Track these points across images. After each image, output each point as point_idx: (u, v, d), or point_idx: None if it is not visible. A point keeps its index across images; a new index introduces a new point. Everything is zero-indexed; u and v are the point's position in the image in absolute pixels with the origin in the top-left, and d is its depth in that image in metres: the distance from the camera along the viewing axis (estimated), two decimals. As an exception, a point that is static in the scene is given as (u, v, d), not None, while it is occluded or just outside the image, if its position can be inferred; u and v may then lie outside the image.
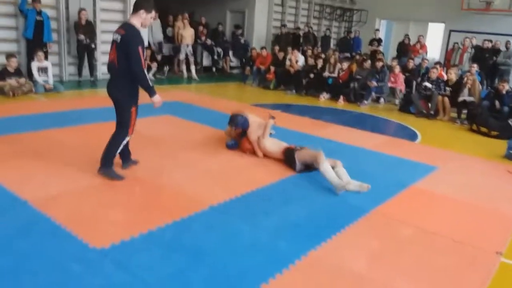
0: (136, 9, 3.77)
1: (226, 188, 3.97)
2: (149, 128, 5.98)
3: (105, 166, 3.95)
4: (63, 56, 9.27)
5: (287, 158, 4.68)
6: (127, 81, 3.80)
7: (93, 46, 9.10)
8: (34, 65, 7.94)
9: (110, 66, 3.86)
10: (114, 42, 3.75)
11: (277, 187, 4.19)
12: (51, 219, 3.10)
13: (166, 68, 11.69)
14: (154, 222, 3.19)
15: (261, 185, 4.15)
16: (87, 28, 8.88)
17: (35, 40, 8.31)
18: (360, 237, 3.30)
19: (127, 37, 3.65)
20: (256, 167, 4.72)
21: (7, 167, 4.08)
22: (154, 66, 10.77)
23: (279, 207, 3.73)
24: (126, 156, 4.25)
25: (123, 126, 3.95)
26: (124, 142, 4.02)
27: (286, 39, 13.18)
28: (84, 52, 9.01)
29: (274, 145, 4.90)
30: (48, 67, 8.09)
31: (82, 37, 8.74)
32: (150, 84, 3.80)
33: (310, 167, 4.52)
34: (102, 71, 9.99)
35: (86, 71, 9.29)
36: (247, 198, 3.85)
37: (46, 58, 8.22)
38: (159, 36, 11.60)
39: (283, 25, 13.76)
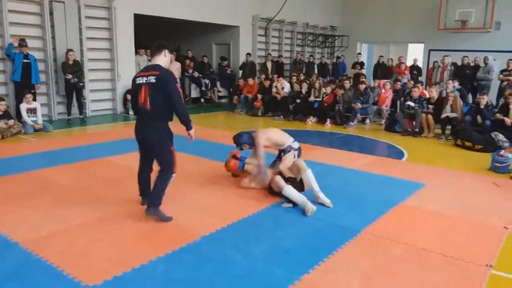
0: (159, 50, 3.85)
1: (217, 217, 4.00)
2: (137, 163, 6.02)
3: (156, 206, 3.91)
4: (52, 96, 9.38)
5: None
6: (162, 122, 3.82)
7: (81, 84, 9.22)
8: (23, 107, 8.02)
9: (142, 110, 3.78)
10: (144, 84, 3.72)
11: (267, 213, 4.23)
12: (42, 259, 3.10)
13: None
14: (146, 256, 3.20)
15: (251, 212, 4.19)
16: (75, 68, 9.03)
17: (23, 83, 8.42)
18: (352, 259, 3.34)
19: (164, 77, 3.71)
20: (247, 193, 4.76)
21: (-3, 210, 4.08)
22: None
23: (270, 233, 3.76)
24: (146, 193, 4.19)
25: (168, 167, 3.91)
26: (171, 180, 3.97)
27: (272, 67, 13.53)
28: (72, 91, 9.13)
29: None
30: (37, 108, 8.17)
31: (69, 76, 8.87)
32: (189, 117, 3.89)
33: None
34: (91, 108, 10.11)
35: (75, 109, 9.37)
36: (238, 226, 3.89)
37: (34, 99, 8.31)
38: (146, 71, 11.77)
39: (267, 55, 14.09)
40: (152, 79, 3.70)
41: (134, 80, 3.88)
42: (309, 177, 4.48)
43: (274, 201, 4.51)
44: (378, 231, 3.85)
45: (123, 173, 5.49)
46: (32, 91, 8.41)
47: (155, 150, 3.91)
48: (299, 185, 4.57)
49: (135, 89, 3.85)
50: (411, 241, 3.65)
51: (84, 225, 3.80)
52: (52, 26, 9.20)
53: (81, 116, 9.42)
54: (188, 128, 3.91)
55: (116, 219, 3.95)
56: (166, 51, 3.88)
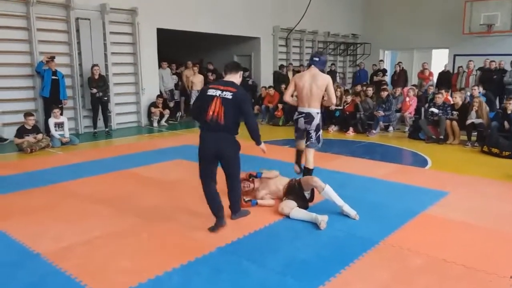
0: (236, 70, 4.06)
1: (233, 228, 4.00)
2: (159, 173, 6.14)
3: (237, 211, 4.26)
4: (78, 110, 9.68)
5: (297, 195, 4.62)
6: (234, 135, 3.97)
7: (105, 98, 9.48)
8: (51, 122, 8.31)
9: (212, 123, 3.83)
10: (217, 97, 3.83)
11: (284, 223, 4.21)
12: (62, 271, 3.19)
13: (178, 114, 12.07)
14: (162, 267, 3.24)
15: (268, 222, 4.18)
16: (100, 82, 9.30)
17: (52, 98, 8.73)
18: (370, 270, 3.27)
19: (241, 96, 3.92)
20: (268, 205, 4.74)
21: (21, 222, 4.23)
22: (167, 113, 11.12)
23: (286, 244, 3.74)
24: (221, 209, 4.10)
25: (238, 175, 4.18)
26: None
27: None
28: (98, 105, 9.39)
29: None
30: (64, 122, 8.45)
31: (95, 90, 9.14)
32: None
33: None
34: (116, 121, 10.37)
35: (100, 123, 9.64)
36: (254, 236, 3.88)
37: (61, 113, 8.60)
38: (171, 84, 12.02)
39: (288, 65, 14.12)
40: (229, 95, 3.84)
41: (204, 91, 3.97)
42: (329, 193, 4.38)
43: (291, 211, 4.48)
44: (398, 242, 3.76)
45: (144, 184, 5.60)
46: (60, 106, 8.71)
47: (229, 161, 4.02)
48: (305, 200, 4.56)
49: (204, 100, 3.91)
50: (432, 252, 3.55)
51: (103, 236, 3.88)
52: (79, 43, 9.53)
53: (107, 129, 9.67)
54: (258, 143, 4.11)
55: (134, 231, 4.01)
56: (241, 72, 4.14)
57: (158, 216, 4.38)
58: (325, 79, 4.98)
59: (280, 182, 4.88)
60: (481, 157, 7.38)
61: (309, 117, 4.99)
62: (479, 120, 8.10)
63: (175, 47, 14.98)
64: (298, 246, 3.70)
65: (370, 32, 17.21)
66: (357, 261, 3.40)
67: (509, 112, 7.79)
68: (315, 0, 14.74)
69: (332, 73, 14.87)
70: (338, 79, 15.03)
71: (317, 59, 5.05)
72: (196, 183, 5.52)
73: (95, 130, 9.50)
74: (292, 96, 5.33)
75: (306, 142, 5.17)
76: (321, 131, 5.13)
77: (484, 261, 3.41)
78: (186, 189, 5.37)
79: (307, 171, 5.11)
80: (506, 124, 7.74)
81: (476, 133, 8.24)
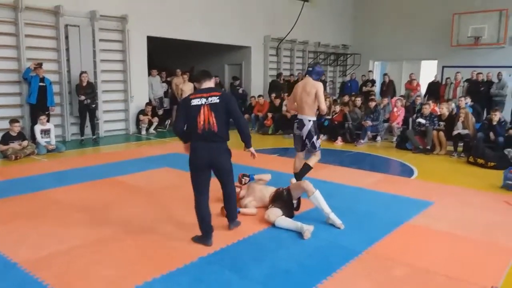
0: (210, 77, 3.97)
1: (216, 237, 3.94)
2: (145, 182, 6.09)
3: (234, 219, 4.22)
4: (66, 117, 9.59)
5: (284, 202, 4.61)
6: (226, 143, 3.90)
7: (93, 106, 9.42)
8: (37, 128, 8.22)
9: (209, 133, 3.73)
10: (205, 105, 3.73)
11: (268, 233, 4.18)
12: (39, 281, 3.12)
13: (167, 122, 12.03)
14: (142, 277, 3.19)
15: (252, 232, 4.15)
16: (88, 89, 9.23)
17: (39, 105, 8.64)
18: (352, 280, 3.25)
19: (228, 96, 3.98)
20: (250, 214, 4.72)
21: (0, 230, 4.14)
22: (155, 121, 11.07)
23: (270, 254, 3.71)
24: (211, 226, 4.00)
25: (232, 182, 4.11)
26: None
27: (284, 86, 13.62)
28: (86, 112, 9.32)
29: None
30: (50, 129, 8.36)
31: (82, 97, 9.07)
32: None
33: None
34: (104, 129, 10.30)
35: (88, 130, 9.56)
36: (238, 246, 3.85)
37: (48, 120, 8.51)
38: (160, 92, 12.00)
39: (279, 74, 14.20)
40: (215, 100, 3.76)
41: (187, 102, 3.79)
42: (318, 198, 4.39)
43: (276, 221, 4.46)
44: (381, 252, 3.76)
45: (129, 192, 5.54)
46: (47, 113, 8.62)
47: (224, 170, 3.94)
48: (292, 208, 4.55)
49: (189, 111, 3.76)
50: (415, 262, 3.55)
51: (84, 245, 3.82)
52: (67, 49, 9.47)
53: (94, 137, 9.59)
54: (249, 145, 4.05)
55: (115, 240, 3.96)
56: (214, 77, 4.13)
57: (141, 225, 4.33)
58: (314, 86, 5.19)
59: (266, 190, 4.89)
60: (466, 167, 7.44)
61: (300, 124, 5.30)
62: (465, 131, 8.19)
63: (166, 55, 14.98)
64: (282, 256, 3.68)
65: (360, 43, 17.40)
66: (340, 271, 3.38)
67: (494, 123, 7.89)
68: (306, 11, 14.91)
69: (322, 83, 14.98)
70: (328, 89, 15.13)
71: (311, 69, 5.38)
72: (182, 191, 5.52)
73: (82, 138, 9.41)
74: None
75: (305, 152, 5.52)
76: (314, 137, 5.30)
77: (466, 271, 3.41)
78: (172, 197, 5.33)
79: (300, 173, 5.42)
80: (491, 135, 7.84)
81: (462, 144, 8.31)
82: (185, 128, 3.87)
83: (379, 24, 16.82)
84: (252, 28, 13.73)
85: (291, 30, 14.40)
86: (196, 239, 3.91)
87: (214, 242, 3.85)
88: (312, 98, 5.17)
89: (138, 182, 6.09)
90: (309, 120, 5.26)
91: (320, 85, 5.21)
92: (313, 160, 5.47)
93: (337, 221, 4.32)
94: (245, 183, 5.00)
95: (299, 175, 5.50)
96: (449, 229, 4.32)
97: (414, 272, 3.40)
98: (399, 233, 4.22)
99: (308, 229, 4.05)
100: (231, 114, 3.84)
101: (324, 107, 5.28)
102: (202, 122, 3.72)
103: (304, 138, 5.34)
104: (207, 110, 3.73)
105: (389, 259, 3.61)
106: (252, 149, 4.09)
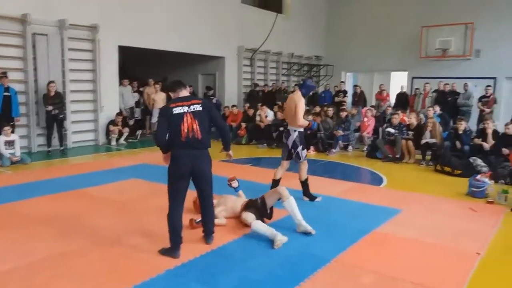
0: (185, 86, 4.00)
1: (185, 249, 3.87)
2: (113, 193, 5.97)
3: (212, 232, 4.13)
4: (32, 127, 9.31)
5: (258, 210, 4.60)
6: (208, 151, 3.91)
7: (61, 116, 9.18)
8: (1, 139, 7.92)
9: (193, 141, 3.72)
10: (188, 113, 3.74)
11: (238, 243, 4.14)
12: (-5, 297, 2.98)
13: (138, 132, 11.87)
14: (106, 291, 3.09)
15: (222, 243, 4.09)
16: (56, 99, 9.01)
17: (3, 115, 8.35)
18: (320, 289, 3.25)
19: (209, 103, 4.07)
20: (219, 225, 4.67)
21: (-42, 246, 3.95)
22: (126, 131, 10.88)
23: (239, 265, 3.66)
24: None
25: (211, 193, 4.07)
26: None
27: (256, 96, 13.70)
28: (53, 122, 9.08)
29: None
30: (15, 140, 8.08)
31: (50, 108, 8.84)
32: None
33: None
34: (72, 140, 10.04)
35: (55, 141, 9.30)
36: (206, 257, 3.79)
37: (13, 131, 8.24)
38: (131, 102, 11.84)
39: (252, 84, 14.28)
40: (198, 107, 3.80)
41: (168, 111, 3.76)
42: (292, 205, 4.43)
43: (247, 231, 4.42)
44: (349, 260, 3.78)
45: (96, 204, 5.40)
46: (11, 123, 8.35)
47: (205, 178, 3.92)
48: (264, 216, 4.55)
49: (171, 119, 3.73)
50: (382, 270, 3.58)
51: (47, 259, 3.69)
52: (34, 58, 9.23)
53: (62, 148, 9.33)
54: (229, 148, 4.21)
55: (80, 253, 3.84)
56: (189, 87, 4.18)
57: (108, 237, 4.22)
58: (294, 99, 5.44)
59: (239, 201, 4.88)
60: (434, 175, 7.61)
61: (287, 134, 5.59)
62: (433, 140, 8.40)
63: (139, 64, 14.84)
64: (251, 266, 3.64)
65: (332, 55, 17.72)
66: (308, 280, 3.37)
67: (460, 132, 8.12)
68: (279, 22, 15.10)
69: (303, 97, 15.13)
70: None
71: (301, 83, 5.76)
72: (151, 203, 5.42)
73: (49, 149, 9.14)
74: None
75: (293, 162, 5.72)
76: (299, 147, 5.48)
77: (432, 278, 3.46)
78: (140, 209, 5.23)
79: (304, 191, 5.68)
80: (458, 143, 8.06)
81: (430, 153, 8.52)
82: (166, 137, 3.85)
83: (351, 37, 17.20)
84: (225, 38, 13.77)
85: (264, 41, 14.54)
86: (163, 252, 3.83)
87: (182, 254, 3.77)
88: (294, 111, 5.36)
89: (106, 193, 5.95)
90: (294, 131, 5.46)
91: (300, 99, 5.36)
92: (303, 173, 5.64)
93: (308, 228, 4.34)
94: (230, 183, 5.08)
95: (305, 193, 5.68)
96: (417, 236, 4.39)
97: (382, 279, 3.43)
98: (367, 241, 4.26)
99: (281, 239, 4.04)
100: (215, 121, 3.97)
101: (298, 121, 5.37)
102: (186, 130, 3.72)
103: (290, 148, 5.54)
104: (190, 118, 3.74)
105: (357, 267, 3.63)
106: (231, 151, 4.26)
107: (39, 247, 3.92)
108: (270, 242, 4.07)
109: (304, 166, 5.64)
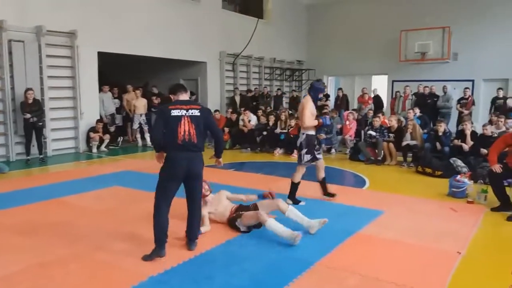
0: (186, 90, 4.08)
1: (168, 255, 3.83)
2: (94, 201, 5.86)
3: (196, 237, 4.12)
4: (10, 136, 9.10)
5: (232, 226, 4.63)
6: (201, 154, 3.99)
7: (40, 124, 9.00)
8: (-23, 148, 7.74)
9: (189, 144, 3.81)
10: (185, 116, 3.81)
11: (222, 249, 4.11)
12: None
13: (120, 139, 11.72)
14: (86, 301, 3.02)
15: (205, 249, 4.05)
16: (34, 107, 8.81)
17: (-21, 123, 8.16)
18: (304, 292, 3.24)
19: (207, 110, 4.10)
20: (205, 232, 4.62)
21: None
22: (107, 138, 10.72)
23: (222, 270, 3.63)
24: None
25: (201, 197, 4.19)
26: None
27: (240, 101, 13.72)
28: (32, 130, 8.87)
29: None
30: (-8, 149, 7.90)
31: (28, 116, 8.65)
32: None
33: (258, 225, 4.52)
34: (52, 147, 9.85)
35: (34, 149, 9.10)
36: (189, 264, 3.74)
37: (-11, 140, 8.04)
38: (112, 109, 11.69)
39: (235, 89, 14.30)
40: (196, 112, 3.86)
41: (166, 112, 3.82)
42: (294, 212, 4.52)
43: (231, 236, 4.40)
44: (332, 262, 3.78)
45: (76, 213, 5.29)
46: (-12, 132, 8.16)
47: (197, 181, 4.00)
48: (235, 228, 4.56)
49: (169, 121, 3.80)
50: (365, 271, 3.59)
51: (24, 270, 3.58)
52: (11, 66, 9.04)
53: (41, 156, 9.13)
54: (219, 156, 4.30)
55: (60, 263, 3.74)
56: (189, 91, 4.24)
57: (89, 246, 4.13)
58: (302, 103, 5.60)
59: (230, 206, 4.84)
60: (415, 176, 7.72)
61: (299, 137, 5.69)
62: (414, 142, 8.52)
63: (119, 70, 14.67)
64: (234, 272, 3.61)
65: (314, 59, 17.89)
66: (292, 284, 3.36)
67: (440, 133, 8.26)
68: (260, 27, 15.15)
69: (278, 98, 15.21)
70: (284, 103, 15.35)
71: (310, 86, 5.71)
72: (132, 210, 5.35)
73: (28, 157, 8.93)
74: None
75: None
76: (303, 150, 5.54)
77: (415, 278, 3.48)
78: (121, 217, 5.14)
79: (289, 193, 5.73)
80: (438, 145, 8.20)
81: (411, 154, 8.64)
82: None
83: (332, 41, 17.39)
84: (207, 43, 13.74)
85: (246, 46, 14.57)
86: (146, 257, 3.79)
87: (165, 261, 3.72)
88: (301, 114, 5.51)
89: (87, 202, 5.84)
90: (303, 134, 5.56)
91: (307, 102, 5.46)
92: (296, 176, 5.69)
93: (320, 221, 4.46)
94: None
95: (290, 195, 5.72)
96: (399, 237, 4.43)
97: (365, 281, 3.44)
98: (350, 243, 4.28)
99: (298, 236, 4.10)
100: (211, 127, 4.04)
101: (303, 122, 5.47)
102: (182, 133, 3.79)
103: (299, 150, 5.65)
104: (187, 122, 3.82)
105: (341, 269, 3.64)
106: (221, 159, 4.34)
107: (15, 259, 3.81)
108: (253, 248, 4.05)
109: (301, 170, 5.67)
